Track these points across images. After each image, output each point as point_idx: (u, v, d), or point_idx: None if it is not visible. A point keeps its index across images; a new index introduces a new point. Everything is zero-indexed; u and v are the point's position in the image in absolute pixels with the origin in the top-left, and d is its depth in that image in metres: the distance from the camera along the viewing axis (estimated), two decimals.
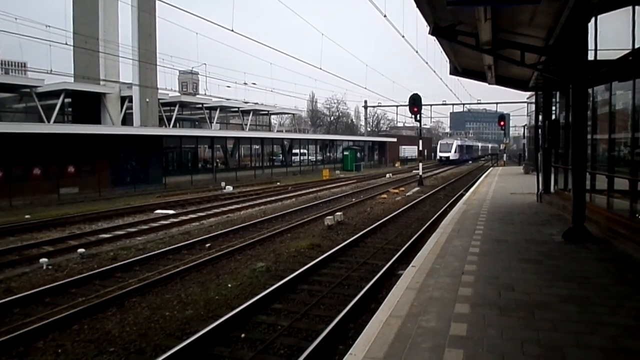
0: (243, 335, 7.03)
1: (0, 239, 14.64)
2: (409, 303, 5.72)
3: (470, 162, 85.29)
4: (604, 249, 8.61)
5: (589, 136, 10.84)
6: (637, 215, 8.59)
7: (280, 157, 54.25)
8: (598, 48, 10.03)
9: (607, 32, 9.85)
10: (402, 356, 4.28)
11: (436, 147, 79.12)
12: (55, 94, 33.35)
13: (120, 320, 7.79)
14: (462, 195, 21.48)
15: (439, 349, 4.40)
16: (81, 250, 12.57)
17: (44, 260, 11.51)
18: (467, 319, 5.17)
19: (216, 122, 49.89)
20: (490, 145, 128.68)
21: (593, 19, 9.78)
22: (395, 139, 78.65)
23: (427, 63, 29.99)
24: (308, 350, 6.13)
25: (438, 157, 73.74)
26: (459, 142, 78.58)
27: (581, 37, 9.43)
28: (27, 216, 18.95)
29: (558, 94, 15.49)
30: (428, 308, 5.54)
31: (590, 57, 9.89)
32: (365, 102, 73.06)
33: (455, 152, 73.36)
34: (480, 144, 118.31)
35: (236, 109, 52.44)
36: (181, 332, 7.27)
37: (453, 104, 69.00)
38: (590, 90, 10.92)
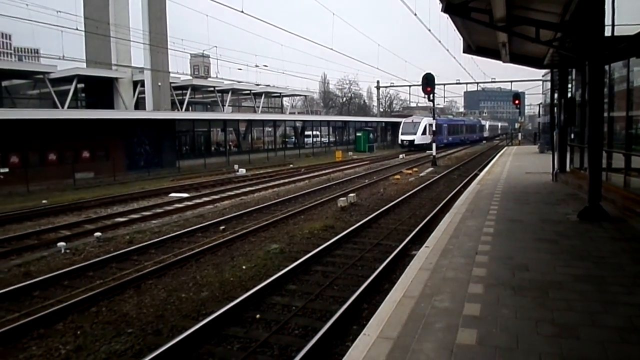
0: (258, 316, 7.11)
1: (18, 224, 14.91)
2: (423, 283, 5.73)
3: (483, 142, 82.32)
4: (620, 228, 8.52)
5: (605, 114, 10.64)
6: None
7: (293, 139, 54.22)
8: (615, 23, 9.78)
9: (625, 7, 9.60)
10: (416, 336, 4.30)
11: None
12: (68, 80, 33.50)
13: (137, 302, 7.92)
14: (476, 175, 21.34)
15: (452, 329, 4.41)
16: (98, 234, 12.75)
17: (61, 244, 11.71)
18: (481, 299, 5.16)
19: (228, 105, 49.86)
20: (500, 124, 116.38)
21: None
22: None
23: (439, 42, 29.58)
24: (322, 330, 6.19)
25: (399, 141, 56.04)
26: (430, 121, 52.60)
27: (598, 12, 9.20)
28: (44, 201, 19.22)
29: (574, 71, 15.19)
30: (442, 288, 5.54)
31: (607, 32, 9.66)
32: (378, 82, 72.49)
33: (424, 133, 54.26)
34: (487, 123, 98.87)
35: (248, 92, 52.30)
36: (197, 313, 7.38)
37: (467, 83, 68.01)
38: (607, 67, 10.70)
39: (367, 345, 4.19)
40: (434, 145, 34.90)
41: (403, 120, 59.13)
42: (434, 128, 36.75)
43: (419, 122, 55.34)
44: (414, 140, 53.86)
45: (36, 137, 25.93)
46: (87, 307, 7.72)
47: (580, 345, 4.06)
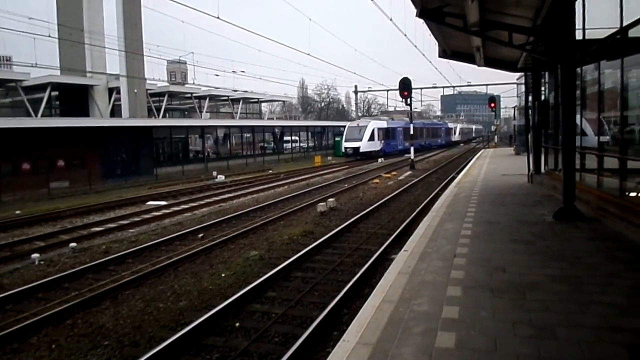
0: (237, 324, 7.04)
1: None
2: (402, 287, 5.73)
3: (460, 144, 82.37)
4: (594, 228, 8.66)
5: (578, 116, 10.83)
6: (626, 193, 8.63)
7: (272, 145, 54.12)
8: (586, 27, 9.98)
9: (595, 11, 9.80)
10: (395, 341, 4.29)
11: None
12: (41, 88, 32.99)
13: (114, 314, 7.78)
14: (453, 178, 21.53)
15: (431, 333, 4.42)
16: (73, 244, 12.49)
17: (35, 255, 11.45)
18: (459, 301, 5.18)
19: (206, 112, 49.57)
20: (474, 127, 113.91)
21: None
22: None
23: (415, 46, 30.06)
24: (302, 337, 6.15)
25: (342, 149, 48.03)
26: (381, 124, 50.69)
27: (568, 17, 9.38)
28: (17, 212, 18.80)
29: (547, 74, 15.46)
30: (420, 292, 5.55)
31: (578, 36, 9.85)
32: (356, 87, 72.61)
33: (371, 139, 47.02)
34: (458, 126, 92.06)
35: (226, 98, 52.11)
36: (175, 323, 7.28)
37: (443, 87, 68.82)
38: (579, 70, 10.90)
39: (346, 352, 4.17)
40: (412, 148, 35.09)
41: (347, 124, 51.47)
42: (413, 131, 36.20)
43: (365, 127, 47.21)
44: (359, 148, 45.85)
45: (9, 146, 25.38)
46: (62, 319, 7.55)
47: (558, 346, 4.09)
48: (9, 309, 8.27)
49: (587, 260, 6.62)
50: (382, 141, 49.38)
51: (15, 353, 6.54)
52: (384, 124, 50.95)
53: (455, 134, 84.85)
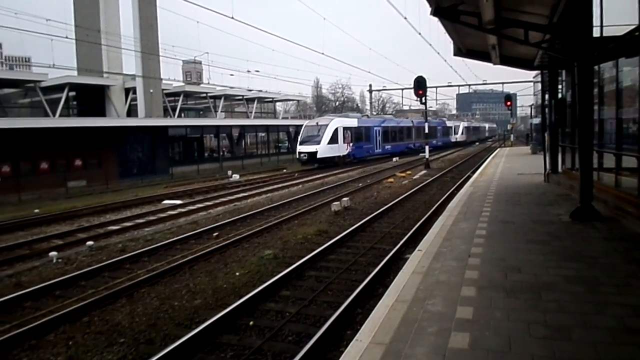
0: (251, 323, 7.06)
1: (10, 234, 14.80)
2: (415, 287, 5.72)
3: (476, 144, 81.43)
4: (612, 228, 8.54)
5: (595, 114, 10.69)
6: None
7: (287, 144, 54.22)
8: (603, 24, 9.85)
9: (613, 8, 9.66)
10: (408, 341, 4.28)
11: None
12: (59, 88, 33.39)
13: (129, 311, 7.86)
14: (469, 177, 21.39)
15: (445, 333, 4.40)
16: (90, 242, 12.65)
17: (53, 253, 11.61)
18: (474, 302, 5.15)
19: (221, 111, 49.81)
20: (487, 126, 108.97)
21: None
22: None
23: (430, 45, 29.83)
24: (316, 336, 6.15)
25: (297, 154, 38.33)
26: (349, 122, 40.37)
27: (586, 14, 9.26)
28: (36, 210, 19.10)
29: (564, 72, 15.28)
30: (434, 292, 5.52)
31: (596, 33, 9.72)
32: (370, 86, 72.38)
33: (333, 142, 36.96)
34: (462, 124, 79.64)
35: (240, 97, 52.28)
36: (190, 321, 7.33)
37: (459, 86, 68.50)
38: (596, 68, 10.75)
39: (359, 351, 4.17)
40: (426, 147, 34.84)
41: (305, 122, 41.48)
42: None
43: (326, 125, 37.11)
44: (316, 153, 35.81)
45: (28, 146, 25.83)
46: (79, 317, 7.64)
47: (573, 347, 4.05)
48: (27, 307, 8.40)
49: (604, 260, 6.54)
50: (350, 144, 39.64)
51: (33, 350, 6.63)
52: (353, 122, 40.86)
53: (456, 133, 73.33)
